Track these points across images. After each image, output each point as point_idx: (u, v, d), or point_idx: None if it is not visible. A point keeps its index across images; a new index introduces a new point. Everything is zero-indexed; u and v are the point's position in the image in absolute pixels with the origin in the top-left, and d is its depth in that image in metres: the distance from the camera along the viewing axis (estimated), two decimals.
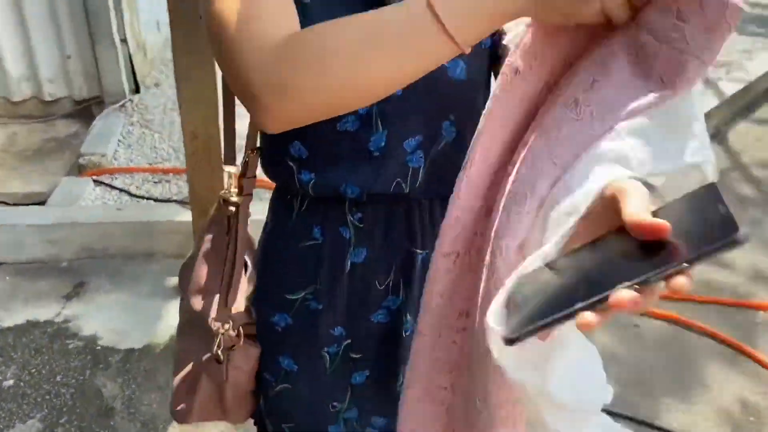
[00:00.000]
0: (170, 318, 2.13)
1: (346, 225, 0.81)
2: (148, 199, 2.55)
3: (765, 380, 2.00)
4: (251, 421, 0.99)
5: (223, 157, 0.91)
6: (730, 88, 3.56)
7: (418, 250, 0.84)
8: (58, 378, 1.91)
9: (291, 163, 0.78)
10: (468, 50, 0.58)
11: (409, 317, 0.88)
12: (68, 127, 3.18)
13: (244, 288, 0.90)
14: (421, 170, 0.78)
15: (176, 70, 1.84)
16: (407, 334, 0.88)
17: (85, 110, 3.22)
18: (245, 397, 0.92)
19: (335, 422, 0.93)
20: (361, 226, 0.81)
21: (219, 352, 0.87)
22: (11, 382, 1.89)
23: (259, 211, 0.91)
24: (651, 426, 1.84)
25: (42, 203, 2.51)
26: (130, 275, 2.30)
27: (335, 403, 0.91)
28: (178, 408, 0.93)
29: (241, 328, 0.88)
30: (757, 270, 2.47)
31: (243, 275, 0.90)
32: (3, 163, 2.91)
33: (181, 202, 2.49)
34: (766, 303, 2.30)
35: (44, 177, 2.80)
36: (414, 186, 0.79)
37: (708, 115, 3.30)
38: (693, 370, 2.03)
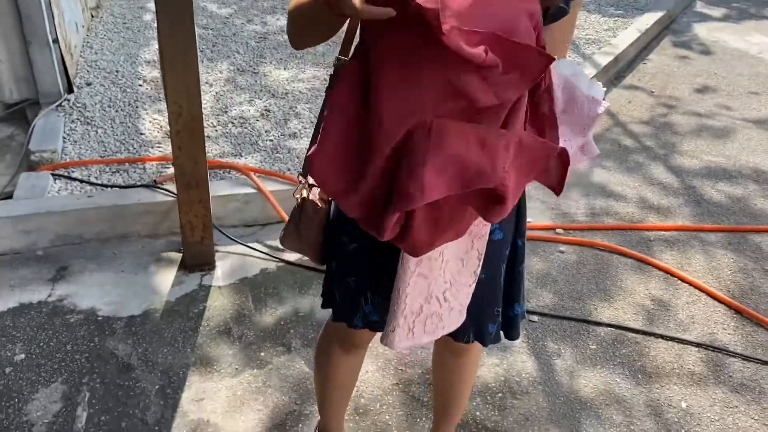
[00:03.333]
0: (160, 287, 2.30)
1: None
2: (112, 186, 2.68)
3: (665, 281, 2.51)
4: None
5: None
6: (602, 60, 4.18)
7: None
8: (68, 347, 2.04)
9: None
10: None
11: None
12: (2, 131, 3.18)
13: None
14: None
15: (161, 54, 2.04)
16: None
17: (18, 113, 3.24)
18: (316, 244, 1.29)
19: (389, 276, 1.22)
20: None
21: (295, 194, 1.24)
22: (22, 356, 1.99)
23: None
24: (586, 321, 2.28)
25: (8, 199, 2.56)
26: (109, 257, 2.44)
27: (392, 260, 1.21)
28: (282, 234, 1.30)
29: (317, 192, 1.23)
30: (645, 200, 3.03)
31: None
32: None
33: (146, 186, 2.64)
34: (655, 225, 2.84)
35: None
36: None
37: None
38: (610, 280, 2.50)
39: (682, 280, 2.51)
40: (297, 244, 1.31)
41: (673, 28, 5.42)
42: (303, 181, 1.24)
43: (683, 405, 1.97)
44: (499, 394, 1.97)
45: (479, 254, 1.19)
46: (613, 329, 2.25)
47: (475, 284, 1.22)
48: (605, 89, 1.17)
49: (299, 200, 1.26)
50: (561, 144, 1.06)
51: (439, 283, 1.19)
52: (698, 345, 2.20)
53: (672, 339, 2.22)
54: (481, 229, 1.17)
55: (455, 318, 1.24)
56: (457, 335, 1.33)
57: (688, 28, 5.46)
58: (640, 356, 2.15)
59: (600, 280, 2.49)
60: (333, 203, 1.27)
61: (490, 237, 1.24)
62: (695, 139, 3.63)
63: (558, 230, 2.78)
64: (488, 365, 2.07)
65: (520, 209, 1.31)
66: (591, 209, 2.93)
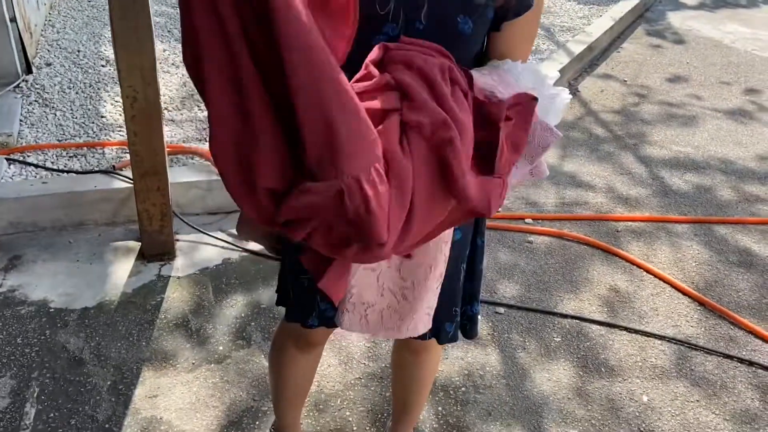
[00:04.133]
0: (116, 277, 2.23)
1: None
2: (68, 172, 2.59)
3: (630, 272, 2.51)
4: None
5: None
6: (576, 48, 4.15)
7: None
8: (18, 340, 1.96)
9: None
10: None
11: None
12: None
13: None
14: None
15: (114, 37, 1.95)
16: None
17: None
18: (272, 235, 1.24)
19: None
20: None
21: None
22: None
23: None
24: (551, 313, 2.27)
25: None
26: (64, 245, 2.36)
27: None
28: (237, 224, 1.24)
29: None
30: (614, 191, 3.02)
31: None
32: None
33: (104, 172, 2.56)
34: (623, 215, 2.84)
35: None
36: None
37: (562, 71, 3.85)
38: (577, 270, 2.49)
39: (648, 271, 2.50)
40: (252, 233, 1.26)
41: (647, 16, 5.41)
42: None
43: (645, 399, 1.97)
44: (462, 389, 1.95)
45: (445, 258, 1.16)
46: (577, 321, 2.24)
47: (440, 287, 1.19)
48: (580, 78, 1.12)
49: None
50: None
51: (391, 277, 1.15)
52: (661, 338, 2.20)
53: (635, 332, 2.22)
54: (448, 234, 1.13)
55: (422, 321, 1.20)
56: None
57: (663, 16, 5.46)
58: (603, 349, 2.14)
59: (567, 271, 2.48)
60: None
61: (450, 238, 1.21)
62: (665, 128, 3.63)
63: (527, 220, 2.75)
64: (452, 358, 2.04)
65: None
66: (561, 199, 2.91)
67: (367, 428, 1.80)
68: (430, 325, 1.21)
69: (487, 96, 1.00)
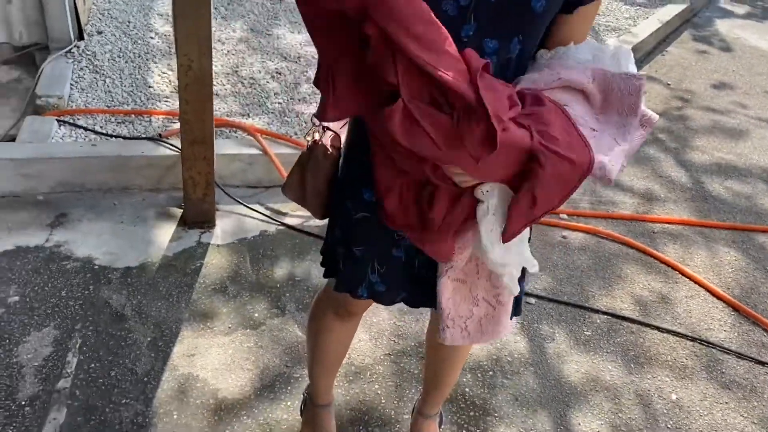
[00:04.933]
0: (158, 241, 2.29)
1: None
2: (116, 137, 2.65)
3: (665, 274, 2.49)
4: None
5: None
6: None
7: None
8: (63, 293, 2.03)
9: None
10: None
11: None
12: (9, 73, 3.15)
13: (338, 125, 1.20)
14: (490, 68, 1.04)
15: (174, 6, 1.99)
16: None
17: (26, 56, 3.20)
18: (320, 195, 1.26)
19: (397, 247, 1.21)
20: None
21: (306, 137, 1.22)
22: (16, 298, 1.99)
23: None
24: (582, 307, 2.27)
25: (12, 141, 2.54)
26: (109, 207, 2.42)
27: (400, 232, 1.19)
28: (285, 182, 1.29)
29: (329, 138, 1.20)
30: (652, 193, 3.00)
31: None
32: None
33: (151, 139, 2.61)
34: (660, 217, 2.82)
35: None
36: None
37: None
38: (611, 268, 2.48)
39: (683, 274, 2.49)
40: (300, 192, 1.28)
41: (694, 21, 5.33)
42: (317, 124, 1.22)
43: (673, 397, 1.97)
44: (490, 372, 1.97)
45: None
46: (609, 317, 2.24)
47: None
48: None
49: (309, 143, 1.24)
50: (609, 156, 1.01)
51: (483, 287, 1.20)
52: (693, 339, 2.19)
53: (667, 331, 2.21)
54: (525, 233, 1.18)
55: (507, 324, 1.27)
56: None
57: (710, 23, 5.37)
58: (633, 346, 2.14)
59: (600, 268, 2.47)
60: (342, 159, 1.25)
61: None
62: (708, 134, 3.58)
63: (562, 215, 2.75)
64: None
65: None
66: (597, 198, 2.90)
67: (395, 402, 1.83)
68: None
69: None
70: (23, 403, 1.69)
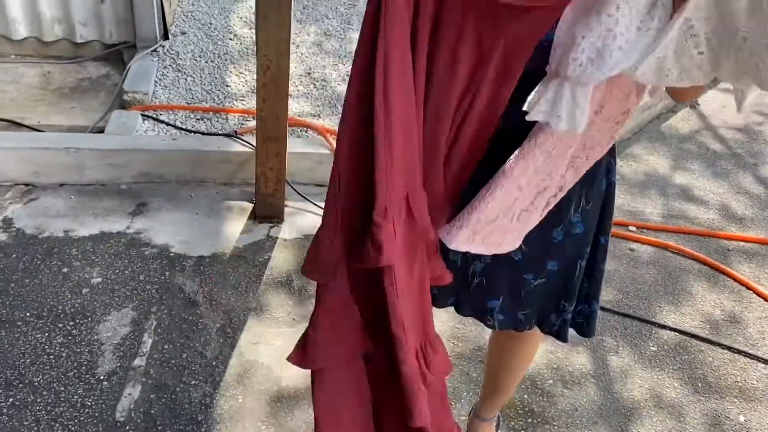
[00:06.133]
0: (229, 233, 2.38)
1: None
2: (195, 132, 2.78)
3: (738, 293, 2.41)
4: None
5: None
6: None
7: None
8: (141, 277, 2.14)
9: None
10: None
11: None
12: (99, 69, 3.34)
13: None
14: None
15: (257, 8, 2.08)
16: None
17: (115, 54, 3.39)
18: None
19: (455, 251, 1.22)
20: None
21: None
22: (99, 279, 2.12)
23: None
24: (649, 322, 2.22)
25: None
26: (186, 199, 2.54)
27: None
28: None
29: None
30: (727, 209, 2.89)
31: None
32: (43, 99, 3.06)
33: (227, 135, 2.72)
34: (735, 234, 2.72)
35: (85, 113, 2.99)
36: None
37: None
38: (680, 284, 2.42)
39: (757, 294, 2.39)
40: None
41: None
42: None
43: (741, 419, 1.90)
44: (550, 381, 1.95)
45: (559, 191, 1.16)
46: (676, 334, 2.18)
47: (543, 217, 1.17)
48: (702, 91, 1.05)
49: None
50: None
51: (525, 200, 1.13)
52: (766, 361, 2.11)
53: (738, 352, 2.13)
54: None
55: (513, 240, 1.19)
56: (519, 326, 1.32)
57: None
58: (701, 365, 2.07)
59: (669, 284, 2.41)
60: None
61: (570, 230, 1.22)
62: None
63: (631, 227, 2.69)
64: (543, 351, 2.04)
65: (606, 206, 1.27)
66: (668, 211, 2.82)
67: (453, 404, 1.84)
68: (516, 245, 1.19)
69: None
70: (102, 377, 1.80)
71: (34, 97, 3.06)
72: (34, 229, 2.29)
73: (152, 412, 1.73)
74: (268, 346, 1.94)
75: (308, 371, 1.77)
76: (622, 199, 2.84)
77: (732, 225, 2.79)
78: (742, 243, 2.68)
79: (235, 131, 2.77)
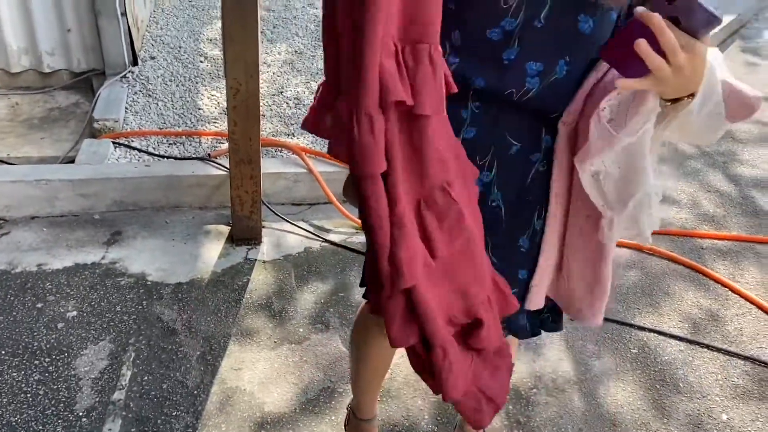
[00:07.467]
0: (207, 257, 2.36)
1: (466, 108, 1.11)
2: (168, 157, 2.76)
3: (715, 291, 2.44)
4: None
5: None
6: None
7: (514, 142, 1.15)
8: (118, 308, 2.12)
9: (447, 46, 1.05)
10: None
11: (495, 190, 1.19)
12: (68, 98, 3.31)
13: None
14: (533, 92, 1.04)
15: (223, 30, 2.08)
16: (492, 204, 1.20)
17: (83, 81, 3.36)
18: None
19: None
20: (477, 112, 1.12)
21: None
22: (74, 313, 2.08)
23: None
24: (628, 324, 2.24)
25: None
26: (161, 225, 2.51)
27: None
28: (344, 186, 1.25)
29: None
30: (700, 208, 2.94)
31: None
32: (12, 131, 3.03)
33: (200, 159, 2.71)
34: (709, 233, 2.76)
35: (55, 143, 2.95)
36: (521, 99, 1.06)
37: None
38: (657, 285, 2.44)
39: (733, 291, 2.43)
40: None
41: (743, 33, 5.22)
42: None
43: (724, 417, 1.92)
44: (533, 390, 1.96)
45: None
46: (656, 335, 2.20)
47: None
48: None
49: None
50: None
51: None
52: (745, 358, 2.13)
53: (718, 350, 2.16)
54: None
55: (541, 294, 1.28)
56: None
57: (759, 34, 5.25)
58: (682, 365, 2.09)
59: (647, 285, 2.43)
60: None
61: (534, 237, 1.23)
62: (757, 148, 3.49)
63: None
64: (524, 360, 2.05)
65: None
66: None
67: (439, 418, 1.84)
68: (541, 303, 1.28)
69: None
70: (80, 414, 1.77)
71: (3, 129, 3.02)
72: (7, 265, 2.25)
73: None
74: (251, 371, 1.93)
75: (293, 394, 1.75)
76: None
77: (705, 224, 2.83)
78: (716, 241, 2.72)
79: (209, 154, 2.75)
